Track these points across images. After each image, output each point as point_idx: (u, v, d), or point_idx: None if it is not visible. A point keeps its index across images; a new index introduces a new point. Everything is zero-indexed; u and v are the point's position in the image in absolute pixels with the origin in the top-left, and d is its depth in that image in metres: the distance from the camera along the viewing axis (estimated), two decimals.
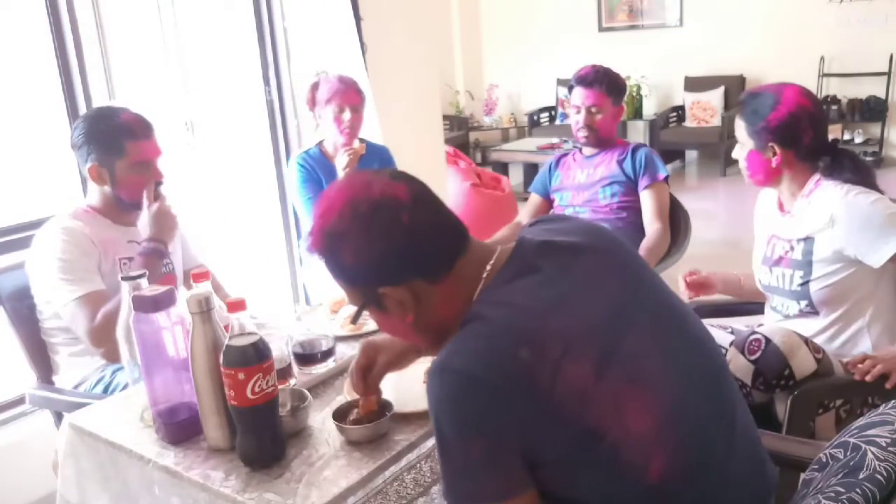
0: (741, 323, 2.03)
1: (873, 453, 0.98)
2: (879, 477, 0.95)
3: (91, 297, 1.83)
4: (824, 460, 1.06)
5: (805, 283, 1.77)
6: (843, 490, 0.95)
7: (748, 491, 1.09)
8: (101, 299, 1.83)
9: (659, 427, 0.98)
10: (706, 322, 2.05)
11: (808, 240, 1.76)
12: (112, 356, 1.87)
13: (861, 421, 1.07)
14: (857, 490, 0.94)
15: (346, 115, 2.64)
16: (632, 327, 1.02)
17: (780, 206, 1.90)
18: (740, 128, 1.82)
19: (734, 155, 1.88)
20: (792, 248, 1.81)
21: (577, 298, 1.02)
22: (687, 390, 1.03)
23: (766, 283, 1.91)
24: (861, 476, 0.96)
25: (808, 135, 1.75)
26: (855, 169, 1.76)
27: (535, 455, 0.96)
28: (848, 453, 1.01)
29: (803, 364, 1.62)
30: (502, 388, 0.93)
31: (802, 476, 1.11)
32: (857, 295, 1.76)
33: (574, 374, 0.94)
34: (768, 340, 1.63)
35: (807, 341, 1.66)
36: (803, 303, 1.80)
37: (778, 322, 1.88)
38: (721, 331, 1.93)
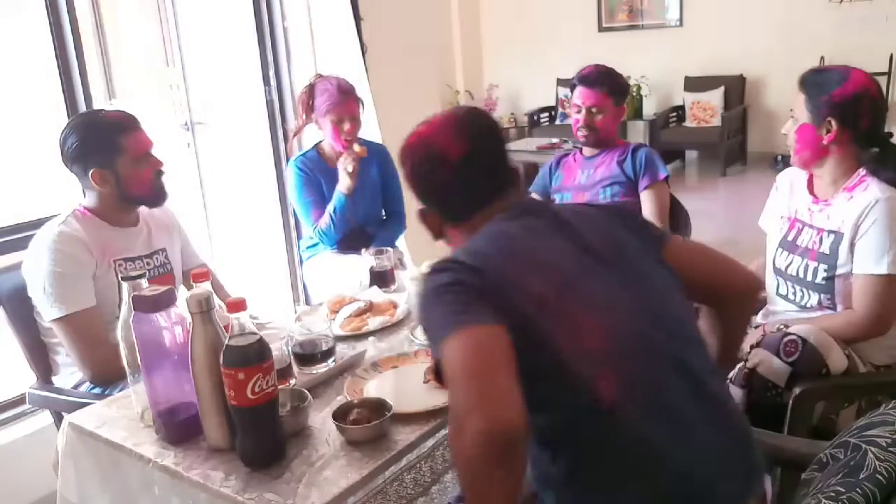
0: None
1: (873, 453, 0.98)
2: (880, 477, 0.95)
3: (75, 318, 1.84)
4: (824, 460, 1.06)
5: (830, 279, 1.75)
6: (843, 490, 0.95)
7: (714, 461, 1.06)
8: (84, 320, 1.84)
9: (608, 348, 1.05)
10: None
11: (837, 234, 1.74)
12: (97, 381, 1.88)
13: (861, 421, 1.07)
14: (858, 490, 0.94)
15: (346, 125, 2.66)
16: (599, 272, 1.14)
17: (812, 191, 1.86)
18: (799, 101, 1.78)
19: (784, 130, 1.84)
20: (821, 241, 1.78)
21: (552, 244, 1.18)
22: (642, 325, 1.09)
23: (782, 266, 1.88)
24: (861, 476, 0.96)
25: (867, 119, 1.71)
26: None
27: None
28: (848, 453, 1.01)
29: (837, 363, 1.63)
30: (480, 268, 1.09)
31: (802, 476, 1.11)
32: None
33: (535, 286, 1.08)
34: (804, 341, 1.62)
35: (835, 339, 1.66)
36: (825, 297, 1.78)
37: (795, 313, 1.85)
38: None
